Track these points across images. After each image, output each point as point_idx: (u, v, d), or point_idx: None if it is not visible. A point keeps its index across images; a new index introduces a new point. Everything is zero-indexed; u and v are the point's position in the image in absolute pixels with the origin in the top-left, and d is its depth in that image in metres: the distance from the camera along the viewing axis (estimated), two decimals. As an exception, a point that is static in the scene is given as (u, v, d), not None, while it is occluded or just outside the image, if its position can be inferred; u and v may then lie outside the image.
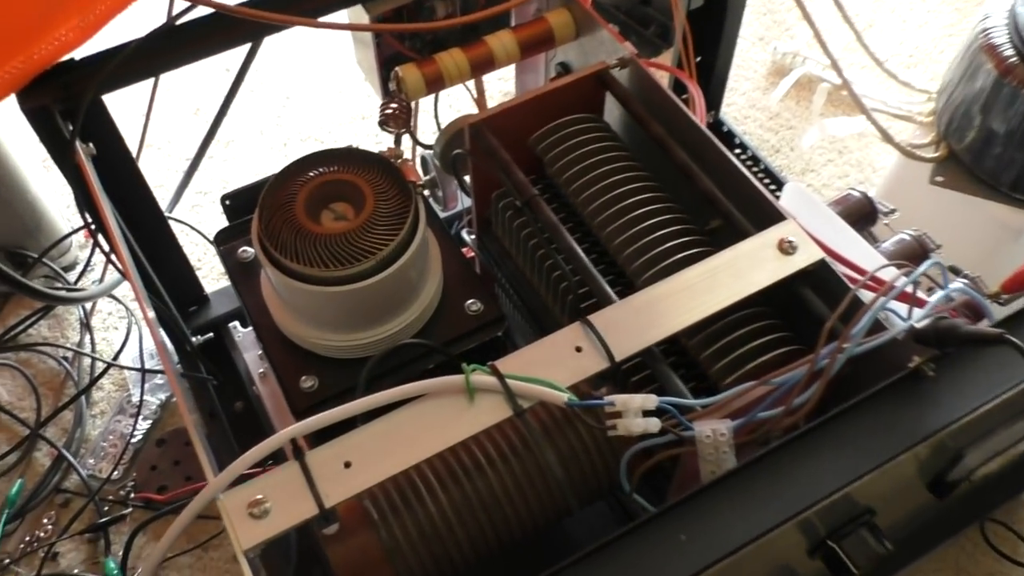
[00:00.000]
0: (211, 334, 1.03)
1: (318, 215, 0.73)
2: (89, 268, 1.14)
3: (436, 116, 0.99)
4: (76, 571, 0.94)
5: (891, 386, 0.58)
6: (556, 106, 0.81)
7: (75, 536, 0.96)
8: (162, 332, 1.02)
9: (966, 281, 0.77)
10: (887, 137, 0.96)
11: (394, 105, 0.81)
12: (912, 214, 0.93)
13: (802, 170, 1.27)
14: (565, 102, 0.81)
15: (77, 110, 0.72)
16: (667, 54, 1.09)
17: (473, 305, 0.79)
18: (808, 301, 0.67)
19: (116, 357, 1.06)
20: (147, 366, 1.05)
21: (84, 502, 0.98)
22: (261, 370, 0.98)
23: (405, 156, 0.79)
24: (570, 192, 0.78)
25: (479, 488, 0.64)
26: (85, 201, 0.74)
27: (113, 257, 0.81)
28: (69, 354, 1.08)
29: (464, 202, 1.05)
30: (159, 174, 1.26)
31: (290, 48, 1.41)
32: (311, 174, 0.74)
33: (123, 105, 0.84)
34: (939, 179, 0.96)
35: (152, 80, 0.89)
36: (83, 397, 1.04)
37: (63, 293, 0.96)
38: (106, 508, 0.98)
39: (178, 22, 0.75)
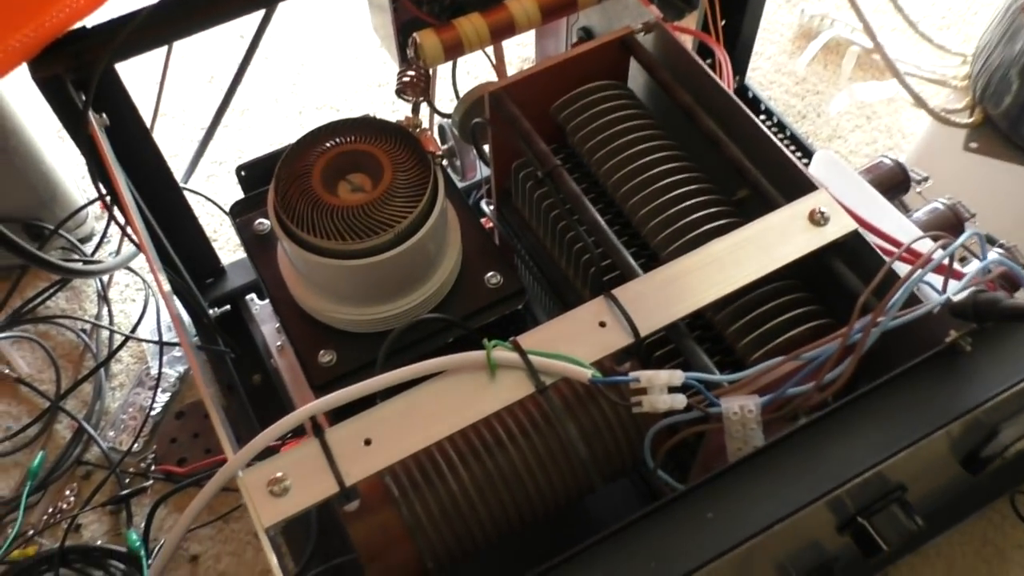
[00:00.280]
0: (228, 306, 1.03)
1: (335, 186, 0.71)
2: (106, 240, 1.14)
3: (454, 84, 0.96)
4: (99, 542, 0.94)
5: (927, 361, 0.56)
6: (579, 73, 0.79)
7: (97, 508, 0.96)
8: (179, 304, 1.02)
9: (1002, 251, 0.75)
10: (920, 102, 0.93)
11: (411, 72, 0.79)
12: (945, 182, 0.90)
13: (829, 136, 1.23)
14: (588, 69, 0.79)
15: (90, 80, 0.71)
16: (690, 17, 1.06)
17: (493, 278, 0.78)
18: (840, 274, 0.65)
19: (134, 329, 1.06)
20: (165, 338, 1.05)
21: (105, 474, 0.98)
22: (279, 343, 0.98)
23: (423, 125, 0.77)
24: (593, 162, 0.76)
25: (501, 465, 0.63)
26: (99, 173, 0.73)
27: (128, 229, 0.80)
28: (87, 327, 1.08)
29: (483, 172, 1.03)
30: (173, 144, 1.24)
31: (305, 15, 1.39)
32: (328, 144, 0.72)
33: (136, 74, 0.82)
34: (973, 145, 0.93)
35: (165, 48, 0.88)
36: (102, 370, 1.04)
37: (79, 266, 0.95)
38: (127, 480, 0.98)
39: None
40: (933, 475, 0.67)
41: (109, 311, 1.09)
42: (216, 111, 1.03)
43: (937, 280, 0.62)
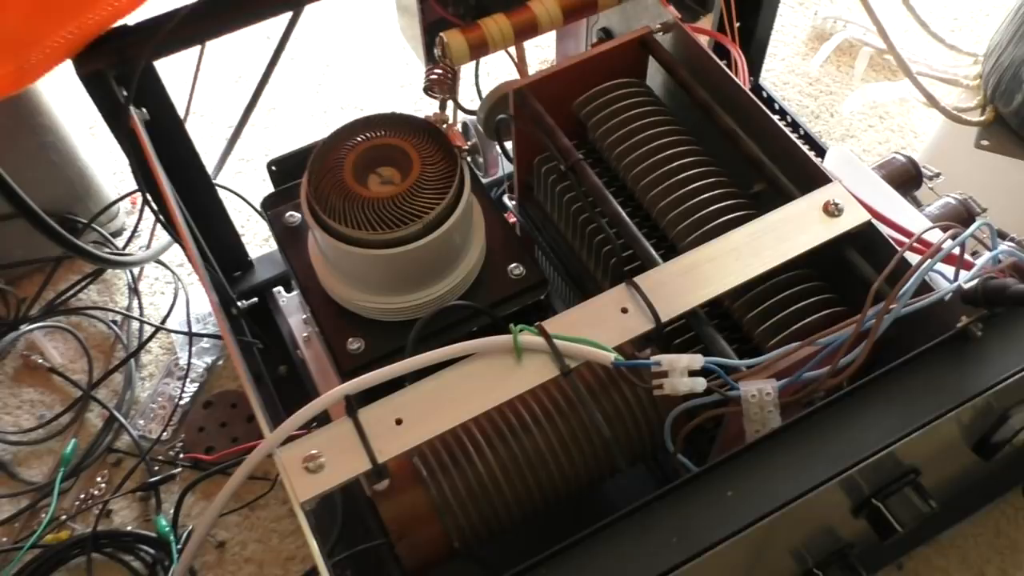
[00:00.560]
0: (255, 299, 1.05)
1: (365, 179, 0.74)
2: (136, 234, 1.17)
3: (477, 83, 0.99)
4: (129, 527, 0.97)
5: (938, 346, 0.58)
6: (599, 71, 0.81)
7: (127, 494, 0.99)
8: (213, 295, 1.05)
9: (1013, 244, 0.77)
10: (932, 100, 0.95)
11: (439, 70, 0.81)
12: (956, 179, 0.92)
13: (842, 136, 1.25)
14: (608, 67, 0.81)
15: (131, 75, 0.74)
16: (705, 20, 1.08)
17: (516, 269, 0.80)
18: (854, 263, 0.67)
19: (164, 320, 1.09)
20: (194, 330, 1.08)
21: (135, 462, 1.00)
22: (305, 334, 1.00)
23: (450, 121, 0.79)
24: (613, 156, 0.78)
25: (525, 447, 0.66)
26: (139, 166, 0.76)
27: (164, 221, 0.83)
28: (118, 318, 1.11)
29: (505, 168, 1.06)
30: (202, 141, 1.25)
31: (330, 18, 1.42)
32: (359, 139, 0.75)
33: (167, 74, 0.85)
34: (985, 143, 0.95)
35: (198, 48, 0.91)
36: (132, 360, 1.07)
37: (115, 257, 0.98)
38: (156, 468, 1.00)
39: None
40: (946, 461, 0.69)
41: (139, 303, 1.12)
42: (244, 109, 1.06)
43: (949, 271, 0.64)
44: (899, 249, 0.62)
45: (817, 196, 0.67)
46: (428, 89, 0.82)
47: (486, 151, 0.99)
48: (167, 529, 0.95)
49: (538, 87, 0.79)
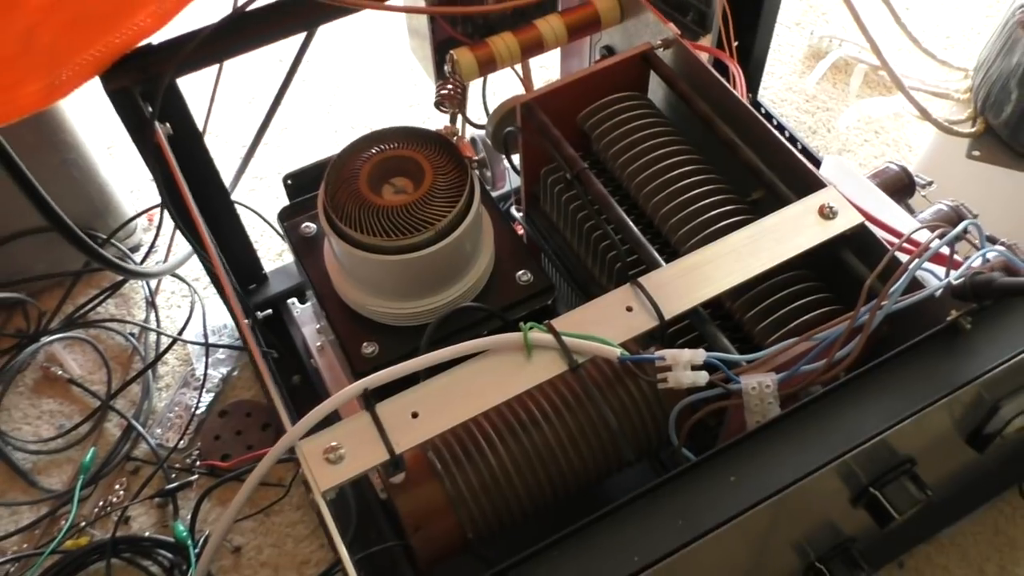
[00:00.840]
0: (270, 310, 1.08)
1: (380, 189, 0.77)
2: (153, 250, 1.20)
3: (484, 100, 1.03)
4: (147, 533, 0.99)
5: (929, 339, 0.61)
6: (603, 86, 0.85)
7: (145, 501, 1.01)
8: (223, 306, 1.08)
9: (1003, 248, 0.80)
10: (924, 113, 0.99)
11: (450, 86, 0.85)
12: (949, 188, 0.95)
13: (839, 150, 1.29)
14: (611, 82, 0.85)
15: (155, 91, 0.77)
16: (704, 40, 1.12)
17: (524, 275, 0.83)
18: (849, 264, 0.70)
19: (182, 332, 1.12)
20: (210, 342, 1.11)
21: (153, 469, 1.03)
22: (319, 343, 1.03)
23: (460, 133, 0.83)
24: (617, 166, 0.81)
25: (536, 441, 0.68)
26: (164, 179, 0.79)
27: (186, 232, 0.86)
28: (136, 330, 1.14)
29: (511, 184, 1.09)
30: (216, 160, 1.31)
31: (340, 41, 1.46)
32: (373, 151, 0.78)
33: (184, 94, 0.89)
34: (976, 153, 0.98)
35: (216, 67, 0.94)
36: (150, 371, 1.10)
37: (138, 268, 1.01)
38: (173, 475, 1.03)
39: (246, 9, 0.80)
40: (942, 453, 0.72)
41: (156, 316, 1.15)
42: (258, 129, 1.10)
43: (941, 272, 0.67)
44: (890, 248, 0.65)
45: (812, 200, 0.70)
46: (439, 104, 0.86)
47: (494, 166, 1.03)
48: (185, 534, 0.97)
49: (544, 101, 0.82)
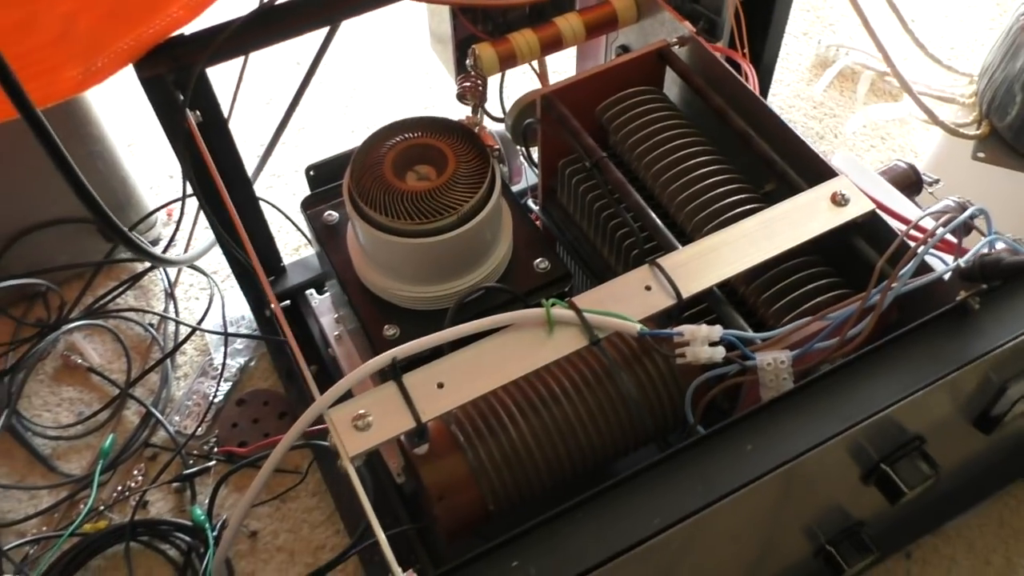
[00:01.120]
0: (288, 301, 1.10)
1: (404, 175, 0.80)
2: (172, 243, 1.22)
3: (501, 97, 1.06)
4: (165, 517, 1.01)
5: (938, 318, 0.63)
6: (619, 81, 0.87)
7: (163, 486, 1.03)
8: (242, 296, 1.10)
9: (1010, 239, 0.82)
10: (931, 116, 1.01)
11: (471, 79, 0.87)
12: (954, 189, 0.97)
13: (846, 156, 1.32)
14: (628, 77, 0.88)
15: (187, 80, 0.80)
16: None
17: (541, 263, 0.85)
18: (860, 250, 0.72)
19: (200, 322, 1.14)
20: (230, 331, 1.13)
21: (171, 455, 1.05)
22: (336, 332, 1.05)
23: (481, 124, 0.85)
24: (633, 157, 0.84)
25: (556, 416, 0.70)
26: (194, 166, 0.81)
27: (214, 219, 0.88)
28: (155, 320, 1.16)
29: (527, 180, 1.12)
30: (234, 159, 1.34)
31: (357, 42, 1.49)
32: (397, 139, 0.81)
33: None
34: (981, 155, 1.00)
35: (240, 62, 0.97)
36: (168, 360, 1.12)
37: (165, 256, 1.03)
38: (191, 461, 1.04)
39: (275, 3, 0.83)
40: (950, 434, 0.73)
41: (175, 307, 1.17)
42: (276, 127, 1.12)
43: (949, 260, 0.69)
44: (900, 234, 0.67)
45: (825, 188, 0.73)
46: (461, 96, 0.88)
47: (510, 161, 1.05)
48: (203, 517, 0.98)
49: (563, 94, 0.85)
